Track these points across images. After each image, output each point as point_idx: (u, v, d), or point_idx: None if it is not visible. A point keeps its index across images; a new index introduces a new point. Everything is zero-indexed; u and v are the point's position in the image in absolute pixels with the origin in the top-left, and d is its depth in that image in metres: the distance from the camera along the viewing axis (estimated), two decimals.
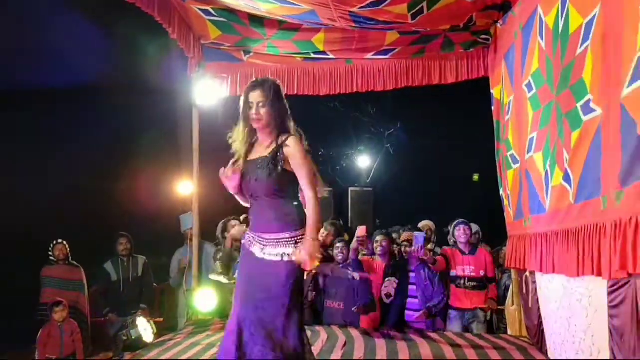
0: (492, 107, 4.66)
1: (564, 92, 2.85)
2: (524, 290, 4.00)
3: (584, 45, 2.56)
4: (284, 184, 2.56)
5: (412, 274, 4.44)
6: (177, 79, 5.69)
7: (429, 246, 4.84)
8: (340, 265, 4.42)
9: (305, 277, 2.81)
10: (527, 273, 3.86)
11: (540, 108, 3.30)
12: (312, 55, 5.06)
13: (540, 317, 3.61)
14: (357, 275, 4.21)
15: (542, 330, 3.57)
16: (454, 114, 11.73)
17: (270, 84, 2.60)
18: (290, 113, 2.66)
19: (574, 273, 2.63)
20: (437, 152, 13.10)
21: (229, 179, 2.63)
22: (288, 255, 2.51)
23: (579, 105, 2.62)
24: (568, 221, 2.77)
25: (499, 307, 4.66)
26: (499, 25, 4.38)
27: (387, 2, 3.82)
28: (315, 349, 3.60)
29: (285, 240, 2.52)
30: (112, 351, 4.82)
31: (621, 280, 2.22)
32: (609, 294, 2.37)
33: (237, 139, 2.65)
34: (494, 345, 3.75)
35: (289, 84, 5.04)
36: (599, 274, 2.34)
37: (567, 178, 2.78)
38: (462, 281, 4.43)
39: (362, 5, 3.86)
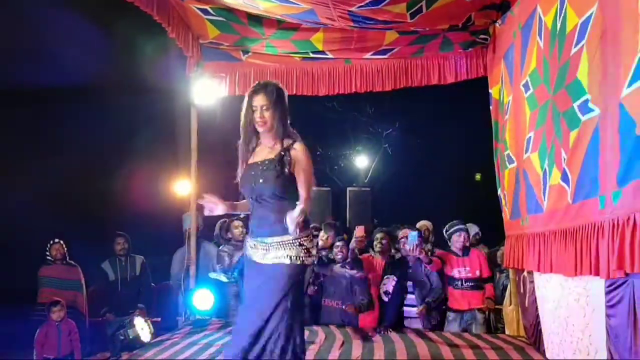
0: (491, 107, 4.67)
1: (560, 92, 2.86)
2: (522, 290, 4.00)
3: (579, 45, 2.57)
4: (289, 187, 2.58)
5: (409, 270, 4.46)
6: (176, 78, 5.68)
7: (428, 246, 4.85)
8: (340, 265, 4.44)
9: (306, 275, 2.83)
10: (525, 273, 3.87)
11: (537, 108, 3.31)
12: (311, 55, 5.05)
13: (537, 316, 3.61)
14: (353, 273, 4.23)
15: (540, 330, 3.57)
16: (452, 114, 11.74)
17: (273, 87, 2.61)
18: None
19: (571, 272, 2.63)
20: (435, 152, 13.10)
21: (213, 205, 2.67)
22: (291, 257, 2.52)
23: (575, 104, 2.63)
24: (566, 221, 2.77)
25: (497, 307, 4.67)
26: (497, 25, 4.39)
27: (386, 2, 3.82)
28: (313, 349, 3.60)
29: (289, 242, 2.53)
30: (110, 351, 4.81)
31: (619, 280, 2.22)
32: (607, 293, 2.37)
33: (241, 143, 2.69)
34: (492, 345, 3.76)
35: (287, 83, 5.02)
36: (597, 274, 2.35)
37: (565, 178, 2.78)
38: (459, 283, 4.44)
39: (361, 4, 3.86)
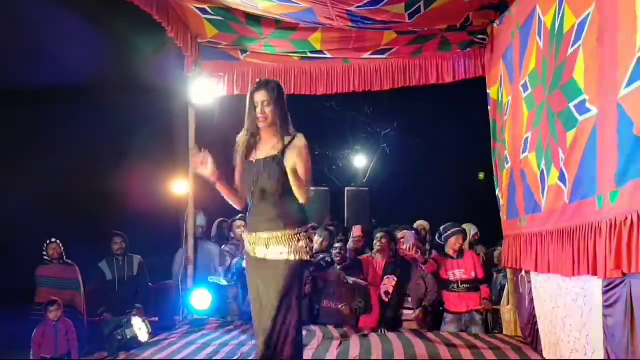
0: (489, 107, 4.67)
1: (555, 92, 2.86)
2: (520, 290, 4.01)
3: (576, 45, 2.57)
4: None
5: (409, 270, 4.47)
6: (174, 77, 5.66)
7: (426, 246, 4.85)
8: (339, 267, 4.44)
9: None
10: (523, 273, 3.87)
11: (534, 108, 3.31)
12: (309, 55, 5.05)
13: (534, 316, 3.61)
14: (355, 279, 4.25)
15: (536, 330, 3.57)
16: (451, 114, 11.73)
17: (273, 84, 2.69)
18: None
19: (569, 272, 2.63)
20: (433, 152, 13.09)
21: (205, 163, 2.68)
22: (291, 253, 2.56)
23: (572, 105, 2.63)
24: (563, 221, 2.77)
25: (495, 307, 4.67)
26: (495, 25, 4.39)
27: (384, 2, 3.82)
28: (311, 349, 3.60)
29: (289, 237, 2.57)
30: (107, 350, 4.80)
31: (616, 280, 2.23)
32: (604, 293, 2.38)
33: (240, 141, 2.74)
34: (489, 345, 3.75)
35: (286, 83, 5.02)
36: (594, 274, 2.35)
37: (562, 177, 2.78)
38: (455, 285, 4.44)
39: (359, 4, 3.87)
